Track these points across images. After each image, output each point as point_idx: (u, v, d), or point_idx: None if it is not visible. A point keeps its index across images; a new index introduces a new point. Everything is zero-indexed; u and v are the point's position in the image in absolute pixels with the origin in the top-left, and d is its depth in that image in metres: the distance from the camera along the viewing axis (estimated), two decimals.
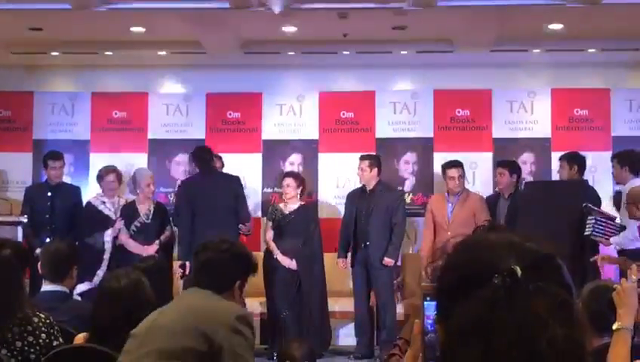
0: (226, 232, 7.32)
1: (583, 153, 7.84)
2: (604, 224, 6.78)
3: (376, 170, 7.81)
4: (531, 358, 1.18)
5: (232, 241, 3.44)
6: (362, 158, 7.90)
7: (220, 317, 3.04)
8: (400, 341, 3.86)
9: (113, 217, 7.70)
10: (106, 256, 7.55)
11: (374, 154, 8.30)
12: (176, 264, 7.50)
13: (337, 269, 7.91)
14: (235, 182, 7.82)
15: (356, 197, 7.86)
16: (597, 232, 6.75)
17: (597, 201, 7.19)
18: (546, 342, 1.18)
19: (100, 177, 7.92)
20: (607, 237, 6.77)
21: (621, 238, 6.72)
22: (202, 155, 7.83)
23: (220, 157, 8.34)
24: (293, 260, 7.59)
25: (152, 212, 7.70)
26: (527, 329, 1.18)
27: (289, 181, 7.84)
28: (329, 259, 7.92)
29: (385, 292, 7.69)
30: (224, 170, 8.24)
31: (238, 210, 7.61)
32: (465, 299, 1.23)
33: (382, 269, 7.63)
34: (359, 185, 8.02)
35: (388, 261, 7.61)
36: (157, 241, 7.57)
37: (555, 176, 8.35)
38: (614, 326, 2.85)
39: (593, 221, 6.75)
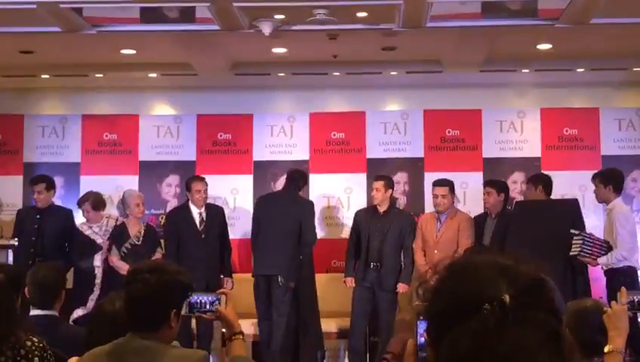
0: (282, 253, 7.37)
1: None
2: (591, 244, 6.76)
3: (390, 191, 7.73)
4: None
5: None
6: (377, 179, 7.77)
7: None
8: (388, 355, 3.81)
9: (100, 241, 7.67)
10: (98, 280, 7.52)
11: (387, 175, 8.08)
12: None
13: (328, 290, 7.85)
14: (307, 207, 7.75)
15: (368, 218, 7.70)
16: (584, 252, 6.73)
17: (582, 223, 7.17)
18: None
19: (78, 206, 7.94)
20: (594, 257, 6.75)
21: (609, 258, 6.71)
22: (293, 176, 7.83)
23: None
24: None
25: (142, 234, 7.68)
26: (516, 361, 1.18)
27: None
28: (320, 279, 7.88)
29: (389, 315, 7.57)
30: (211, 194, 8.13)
31: (300, 234, 7.52)
32: (455, 326, 1.22)
33: (391, 292, 7.52)
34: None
35: (403, 286, 7.47)
36: None
37: None
38: (606, 349, 2.85)
39: (581, 241, 6.72)
